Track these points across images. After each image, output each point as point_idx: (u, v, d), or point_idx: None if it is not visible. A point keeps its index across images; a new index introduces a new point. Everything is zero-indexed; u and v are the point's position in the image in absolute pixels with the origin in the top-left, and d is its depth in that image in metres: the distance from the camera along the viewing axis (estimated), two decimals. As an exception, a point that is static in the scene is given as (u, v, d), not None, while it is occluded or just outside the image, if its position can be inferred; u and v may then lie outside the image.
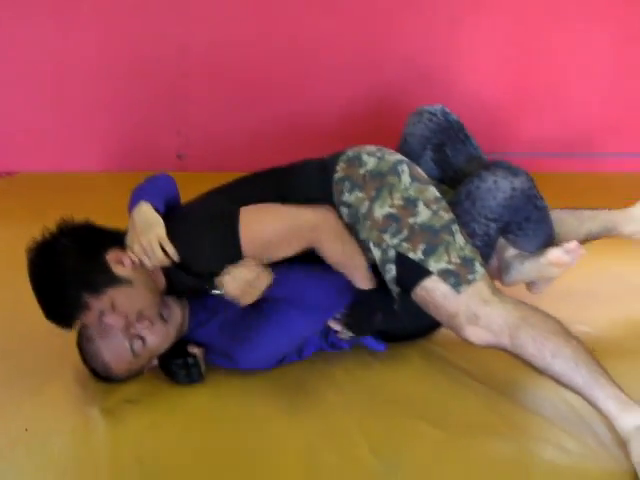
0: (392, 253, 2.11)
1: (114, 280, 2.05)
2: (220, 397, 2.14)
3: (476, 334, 2.03)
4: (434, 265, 2.06)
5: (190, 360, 2.16)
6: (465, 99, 3.74)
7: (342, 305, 2.21)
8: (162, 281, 2.14)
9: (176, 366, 2.16)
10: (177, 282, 2.14)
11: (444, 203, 2.18)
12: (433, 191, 2.19)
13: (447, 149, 2.43)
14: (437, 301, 2.06)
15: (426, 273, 2.07)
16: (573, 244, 2.33)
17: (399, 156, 2.25)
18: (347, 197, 2.19)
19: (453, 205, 2.19)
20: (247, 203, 2.15)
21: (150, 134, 3.68)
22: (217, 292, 2.08)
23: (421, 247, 2.08)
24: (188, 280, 2.12)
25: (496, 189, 2.18)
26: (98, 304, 2.03)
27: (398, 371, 2.26)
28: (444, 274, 2.05)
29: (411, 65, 3.77)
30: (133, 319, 2.08)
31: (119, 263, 2.07)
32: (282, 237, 2.14)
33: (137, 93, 3.67)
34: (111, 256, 2.07)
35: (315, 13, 3.64)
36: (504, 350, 2.02)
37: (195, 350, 2.17)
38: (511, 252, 2.42)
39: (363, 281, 2.20)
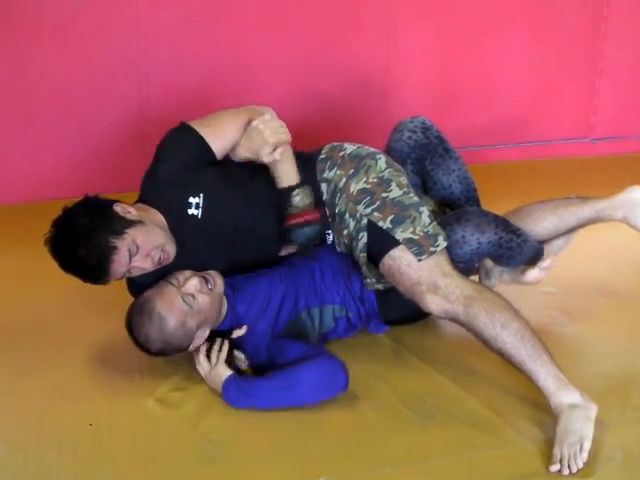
0: (364, 222, 2.38)
1: (129, 222, 2.29)
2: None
3: (435, 302, 2.26)
4: (400, 234, 2.32)
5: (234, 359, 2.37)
6: (402, 101, 4.10)
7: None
8: (163, 219, 2.40)
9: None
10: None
11: (414, 190, 2.46)
12: (405, 179, 2.48)
13: (426, 163, 2.63)
14: (402, 269, 2.30)
15: (394, 243, 2.32)
16: (547, 262, 2.61)
17: (377, 150, 2.55)
18: (327, 174, 2.50)
19: None
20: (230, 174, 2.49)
21: (118, 156, 3.88)
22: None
23: (390, 217, 2.35)
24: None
25: (463, 242, 2.40)
26: (123, 244, 2.25)
27: (408, 341, 2.58)
28: (408, 242, 2.31)
29: (351, 73, 4.08)
30: (157, 257, 2.31)
31: (127, 212, 2.32)
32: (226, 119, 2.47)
33: (103, 117, 3.86)
34: (118, 208, 2.32)
35: (260, 30, 3.88)
36: (458, 320, 2.25)
37: (241, 332, 2.39)
38: (491, 263, 2.64)
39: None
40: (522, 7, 4.20)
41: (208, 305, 2.33)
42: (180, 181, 2.41)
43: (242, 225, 2.46)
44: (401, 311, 2.51)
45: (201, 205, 2.42)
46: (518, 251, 2.50)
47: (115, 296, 2.83)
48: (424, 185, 2.69)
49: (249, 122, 2.45)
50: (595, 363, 2.46)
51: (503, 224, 2.46)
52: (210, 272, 2.37)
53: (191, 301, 2.30)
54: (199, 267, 2.41)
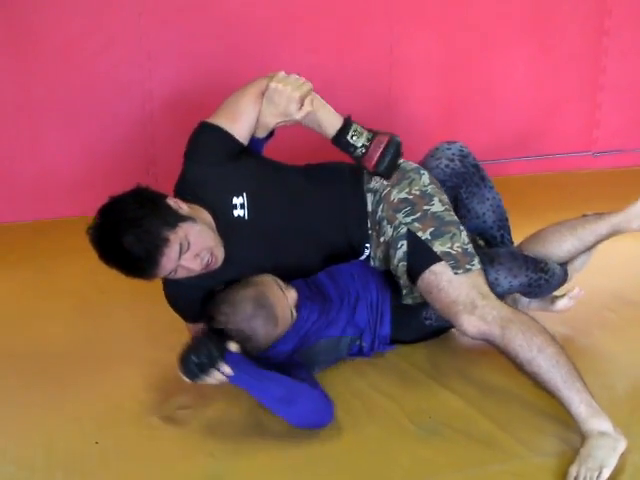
0: (403, 230, 2.36)
1: (183, 217, 2.22)
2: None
3: (471, 322, 2.22)
4: (438, 247, 2.30)
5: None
6: (405, 115, 4.12)
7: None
8: (212, 220, 2.34)
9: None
10: None
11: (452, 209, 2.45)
12: (446, 198, 2.47)
13: (462, 191, 2.60)
14: (442, 285, 2.26)
15: (436, 258, 2.29)
16: (575, 291, 2.65)
17: (420, 166, 2.55)
18: (373, 184, 2.49)
19: None
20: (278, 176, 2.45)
21: (122, 175, 3.88)
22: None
23: (430, 230, 2.33)
24: None
25: (496, 284, 2.38)
26: (176, 238, 2.16)
27: (413, 357, 2.57)
28: (446, 256, 2.29)
29: (355, 89, 4.09)
30: (206, 259, 2.24)
31: (179, 207, 2.25)
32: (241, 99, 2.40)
33: (107, 137, 3.87)
34: (171, 201, 2.26)
35: (263, 47, 3.89)
36: (493, 342, 2.21)
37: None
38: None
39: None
40: (523, 22, 4.23)
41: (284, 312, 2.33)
42: (214, 180, 2.36)
43: (288, 223, 2.42)
44: (414, 334, 2.53)
45: (246, 205, 2.36)
46: (546, 287, 2.53)
47: (119, 314, 2.88)
48: (456, 213, 2.62)
49: (263, 91, 2.37)
50: (602, 376, 2.44)
51: (533, 264, 2.47)
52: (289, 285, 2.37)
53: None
54: (247, 271, 2.36)
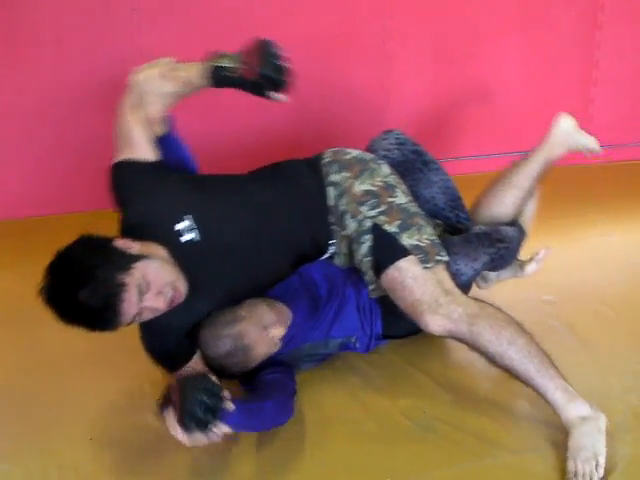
0: (368, 224, 2.27)
1: (135, 257, 2.09)
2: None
3: (436, 322, 2.16)
4: (406, 240, 2.24)
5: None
6: (398, 113, 4.12)
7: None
8: (166, 254, 2.20)
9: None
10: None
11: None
12: (406, 188, 2.42)
13: (406, 179, 2.49)
14: (406, 282, 2.19)
15: (402, 253, 2.22)
16: (541, 253, 2.65)
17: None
18: (334, 177, 2.39)
19: None
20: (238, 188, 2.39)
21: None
22: None
23: (397, 222, 2.26)
24: None
25: (460, 274, 2.35)
26: (132, 280, 2.03)
27: (406, 355, 2.56)
28: (415, 249, 2.22)
29: (347, 89, 4.09)
30: (169, 295, 2.11)
31: (129, 247, 2.12)
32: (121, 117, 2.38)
33: (99, 135, 3.83)
34: (119, 243, 2.13)
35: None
36: (461, 338, 2.17)
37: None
38: None
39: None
40: (516, 16, 4.21)
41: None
42: (152, 214, 2.25)
43: (249, 234, 2.31)
44: (404, 331, 2.50)
45: (195, 226, 2.25)
46: (508, 253, 2.50)
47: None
48: None
49: (134, 99, 2.38)
50: (595, 371, 2.45)
51: (487, 239, 2.44)
52: (285, 311, 2.33)
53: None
54: (219, 295, 2.28)
